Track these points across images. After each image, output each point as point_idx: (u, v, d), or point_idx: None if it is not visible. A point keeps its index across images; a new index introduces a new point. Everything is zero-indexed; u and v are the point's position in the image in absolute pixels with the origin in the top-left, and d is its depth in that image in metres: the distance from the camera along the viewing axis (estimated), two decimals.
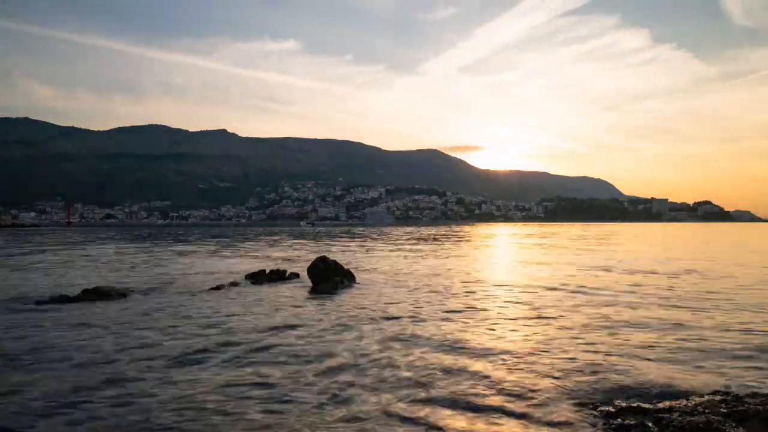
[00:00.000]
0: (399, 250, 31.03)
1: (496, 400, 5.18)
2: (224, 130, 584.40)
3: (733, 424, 3.99)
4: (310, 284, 13.87)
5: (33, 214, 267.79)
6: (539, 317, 9.52)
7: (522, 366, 6.35)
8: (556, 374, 5.96)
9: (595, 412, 4.74)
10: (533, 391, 5.43)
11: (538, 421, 4.63)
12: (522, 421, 4.64)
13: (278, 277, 15.59)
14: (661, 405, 4.64)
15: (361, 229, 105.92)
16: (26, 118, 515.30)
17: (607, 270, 18.43)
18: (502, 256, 27.33)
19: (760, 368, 6.15)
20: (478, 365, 6.38)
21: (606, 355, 6.81)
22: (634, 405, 4.71)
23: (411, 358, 6.69)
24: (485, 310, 10.34)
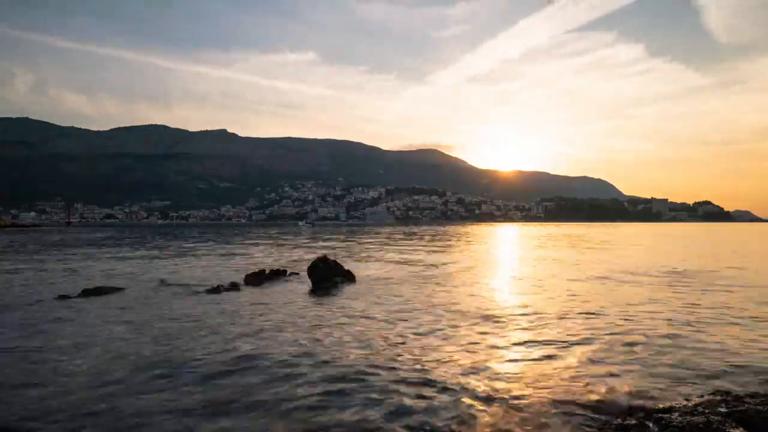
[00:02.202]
0: (399, 250, 31.01)
1: (494, 398, 5.16)
2: (224, 130, 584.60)
3: (733, 424, 3.99)
4: (310, 284, 13.86)
5: (33, 214, 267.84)
6: (540, 315, 9.51)
7: (522, 364, 6.36)
8: (556, 374, 5.97)
9: (595, 413, 4.74)
10: (533, 390, 5.42)
11: (539, 421, 4.61)
12: (522, 420, 4.63)
13: (278, 276, 15.57)
14: (661, 405, 4.61)
15: (361, 229, 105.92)
16: (26, 118, 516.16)
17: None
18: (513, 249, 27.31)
19: None
20: (475, 362, 6.36)
21: (607, 354, 6.82)
22: (634, 405, 4.68)
23: (408, 355, 6.71)
24: (485, 307, 10.32)
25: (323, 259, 14.54)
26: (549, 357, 6.73)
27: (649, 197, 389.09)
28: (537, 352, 7.01)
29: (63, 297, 11.59)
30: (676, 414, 4.29)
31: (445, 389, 5.63)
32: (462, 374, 6.12)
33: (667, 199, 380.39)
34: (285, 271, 16.18)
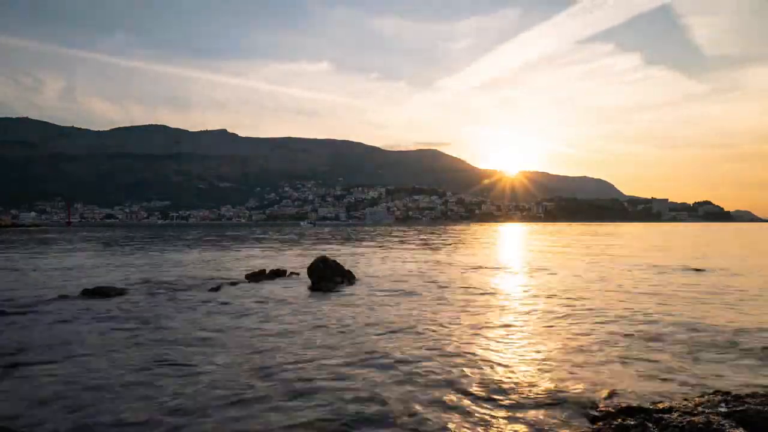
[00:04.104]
0: (401, 250, 31.01)
1: (493, 398, 5.17)
2: (224, 130, 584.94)
3: (733, 424, 4.00)
4: (310, 284, 13.88)
5: (33, 214, 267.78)
6: (536, 313, 9.51)
7: (521, 364, 6.35)
8: (556, 373, 5.95)
9: (595, 412, 4.74)
10: (533, 390, 5.41)
11: (538, 421, 4.62)
12: (521, 421, 4.64)
13: (278, 276, 15.59)
14: (661, 405, 4.63)
15: (361, 229, 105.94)
16: (26, 118, 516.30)
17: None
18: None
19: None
20: (472, 361, 6.35)
21: (607, 353, 6.82)
22: (634, 405, 4.72)
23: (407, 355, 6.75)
24: (486, 305, 10.32)
25: (323, 259, 14.56)
26: (545, 352, 6.77)
27: (649, 197, 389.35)
28: (533, 346, 7.05)
29: (63, 297, 11.60)
30: (676, 414, 4.28)
31: (438, 384, 5.78)
32: (457, 367, 6.20)
33: (667, 199, 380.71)
34: (285, 270, 16.19)
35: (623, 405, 4.77)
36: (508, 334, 8.07)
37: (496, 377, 5.80)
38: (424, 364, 6.39)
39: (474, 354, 6.83)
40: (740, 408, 4.32)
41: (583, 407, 4.91)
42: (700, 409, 4.36)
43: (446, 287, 13.58)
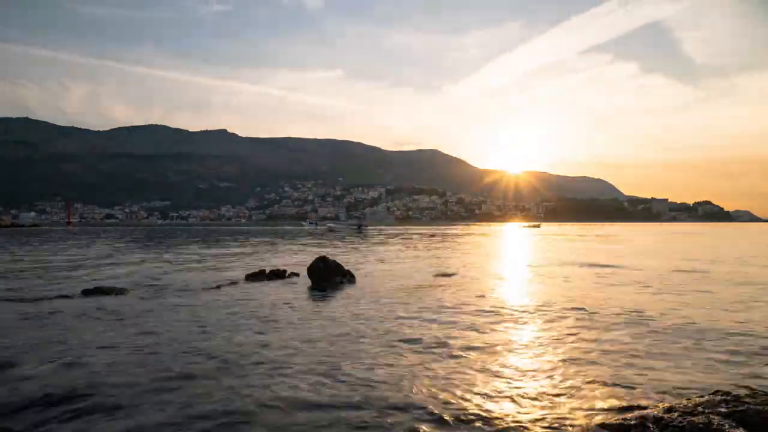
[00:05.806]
0: (401, 250, 31.02)
1: (491, 399, 5.18)
2: (224, 130, 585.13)
3: (733, 424, 4.02)
4: (310, 284, 13.89)
5: (33, 214, 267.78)
6: (535, 313, 9.51)
7: (519, 364, 6.35)
8: (555, 373, 5.93)
9: (594, 412, 4.75)
10: (531, 390, 5.41)
11: (537, 421, 4.61)
12: (519, 421, 4.62)
13: (278, 276, 15.58)
14: (661, 405, 4.63)
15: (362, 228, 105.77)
16: (26, 118, 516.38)
17: None
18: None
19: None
20: (472, 361, 6.36)
21: (607, 353, 6.84)
22: (634, 405, 4.71)
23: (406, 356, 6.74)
24: (490, 305, 10.33)
25: (323, 260, 14.57)
26: (544, 351, 6.76)
27: (649, 197, 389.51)
28: (530, 345, 7.06)
29: (63, 297, 11.60)
30: (676, 414, 4.29)
31: (434, 385, 5.89)
32: (453, 370, 6.20)
33: (667, 199, 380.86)
34: (284, 271, 16.18)
35: (623, 405, 4.76)
36: (505, 335, 8.09)
37: (494, 377, 5.82)
38: (420, 364, 6.45)
39: (473, 355, 6.85)
40: (740, 408, 4.30)
41: (581, 407, 4.88)
42: (700, 409, 4.36)
43: (447, 287, 13.58)
